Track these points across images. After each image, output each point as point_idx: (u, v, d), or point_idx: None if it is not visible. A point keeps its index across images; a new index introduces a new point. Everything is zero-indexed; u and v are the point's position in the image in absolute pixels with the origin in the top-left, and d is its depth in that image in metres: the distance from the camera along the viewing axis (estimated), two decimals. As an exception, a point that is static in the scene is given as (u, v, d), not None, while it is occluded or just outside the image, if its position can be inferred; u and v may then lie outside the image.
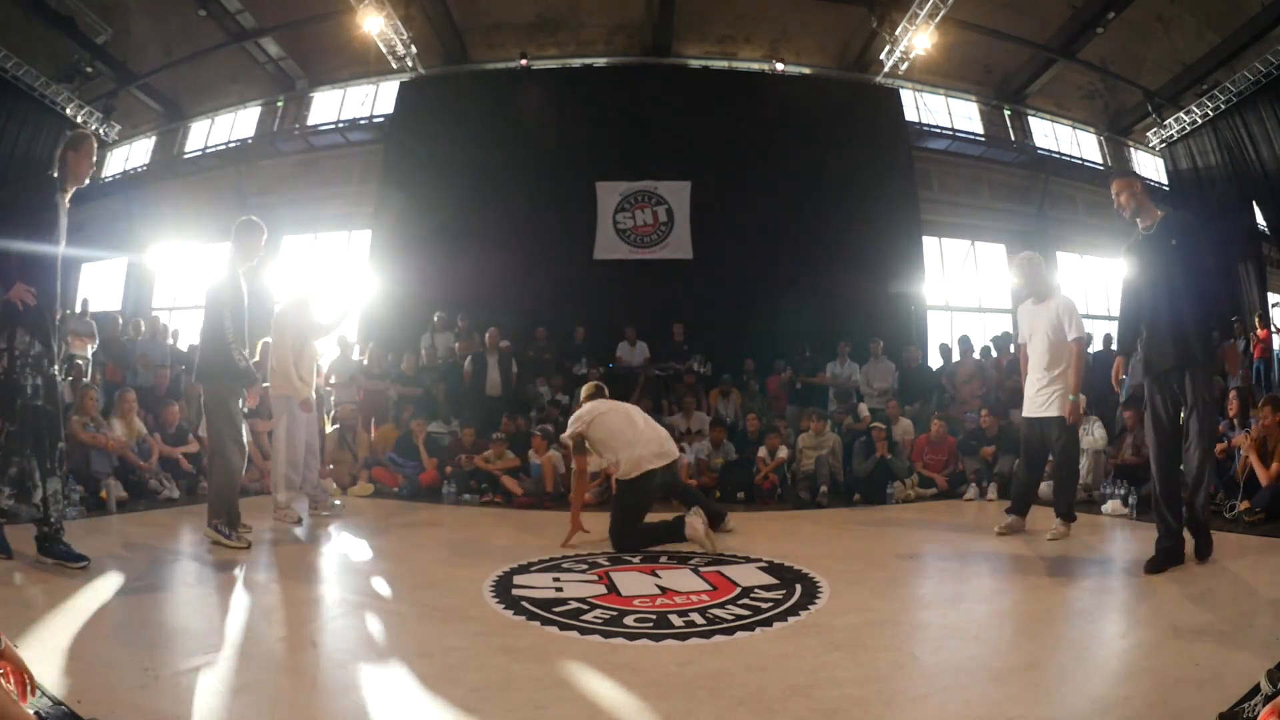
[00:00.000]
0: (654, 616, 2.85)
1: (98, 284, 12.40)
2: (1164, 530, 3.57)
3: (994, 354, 8.85)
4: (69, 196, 3.55)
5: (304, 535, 4.74)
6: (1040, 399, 4.60)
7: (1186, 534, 3.60)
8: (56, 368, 3.51)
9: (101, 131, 11.33)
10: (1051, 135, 12.76)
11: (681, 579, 3.45)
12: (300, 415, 5.12)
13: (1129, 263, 3.84)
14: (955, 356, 8.90)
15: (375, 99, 12.33)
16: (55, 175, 3.50)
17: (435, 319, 9.28)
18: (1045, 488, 5.19)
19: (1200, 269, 3.61)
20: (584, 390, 5.05)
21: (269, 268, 4.69)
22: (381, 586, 3.57)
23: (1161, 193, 12.22)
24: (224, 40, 11.30)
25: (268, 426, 6.87)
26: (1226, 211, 10.79)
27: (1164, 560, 3.49)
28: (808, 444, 6.90)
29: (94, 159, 3.63)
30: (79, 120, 10.66)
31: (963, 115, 12.47)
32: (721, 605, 2.99)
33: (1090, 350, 9.36)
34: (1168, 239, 3.62)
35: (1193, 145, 11.08)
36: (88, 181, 3.64)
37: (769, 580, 3.41)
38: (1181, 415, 3.58)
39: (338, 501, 5.57)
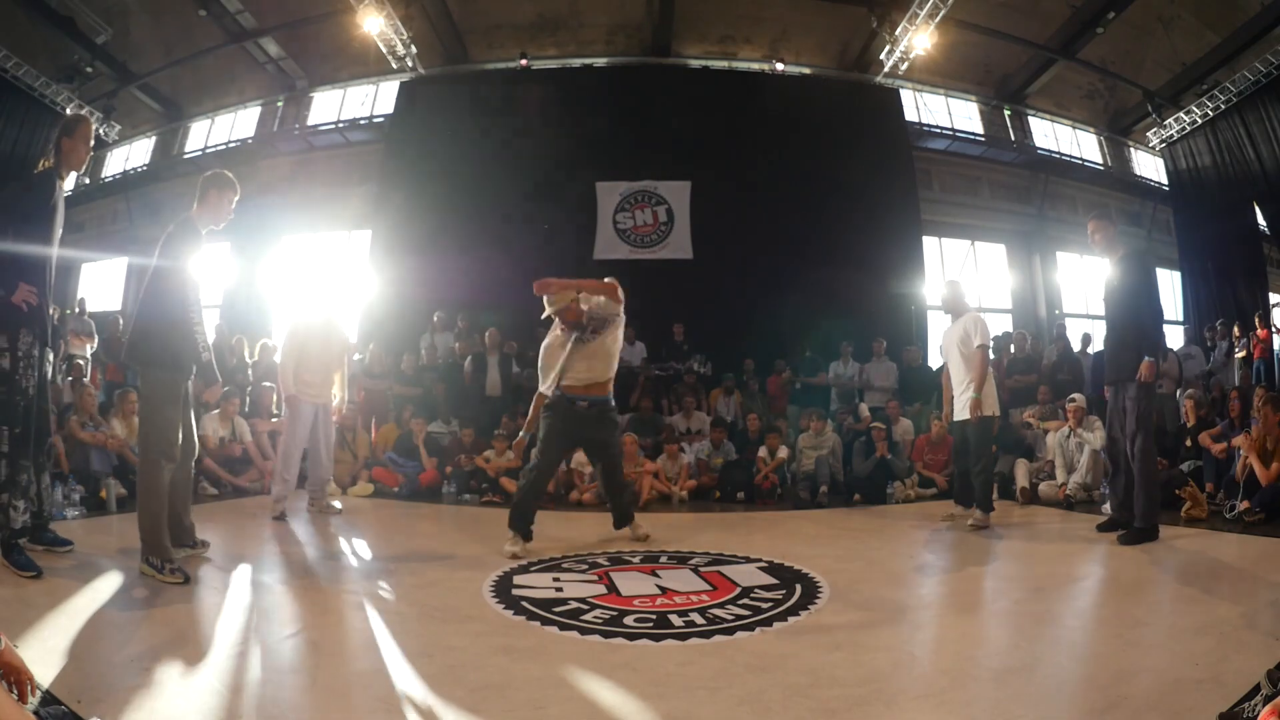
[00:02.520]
0: (654, 616, 2.85)
1: (98, 284, 12.41)
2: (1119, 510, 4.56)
3: (993, 355, 8.84)
4: (65, 182, 3.52)
5: (304, 536, 4.74)
6: (959, 404, 5.12)
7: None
8: (50, 367, 3.53)
9: (101, 131, 11.33)
10: (1051, 135, 12.77)
11: (681, 579, 3.45)
12: (304, 417, 5.23)
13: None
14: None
15: (375, 99, 12.34)
16: (50, 166, 3.47)
17: (435, 319, 9.28)
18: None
19: (1130, 302, 4.43)
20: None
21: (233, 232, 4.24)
22: (381, 586, 3.56)
23: (1161, 192, 12.25)
24: (224, 40, 11.31)
25: (266, 427, 6.90)
26: (1226, 211, 10.79)
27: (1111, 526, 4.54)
28: (808, 444, 6.90)
29: (90, 143, 3.57)
30: (79, 120, 10.65)
31: (963, 115, 12.47)
32: (721, 605, 2.99)
33: (1090, 351, 9.41)
34: (1113, 274, 4.50)
35: (1193, 145, 11.08)
36: (85, 166, 3.61)
37: (769, 580, 3.41)
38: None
39: (338, 504, 5.57)
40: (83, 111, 10.55)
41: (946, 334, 5.38)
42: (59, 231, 3.50)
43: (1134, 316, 4.38)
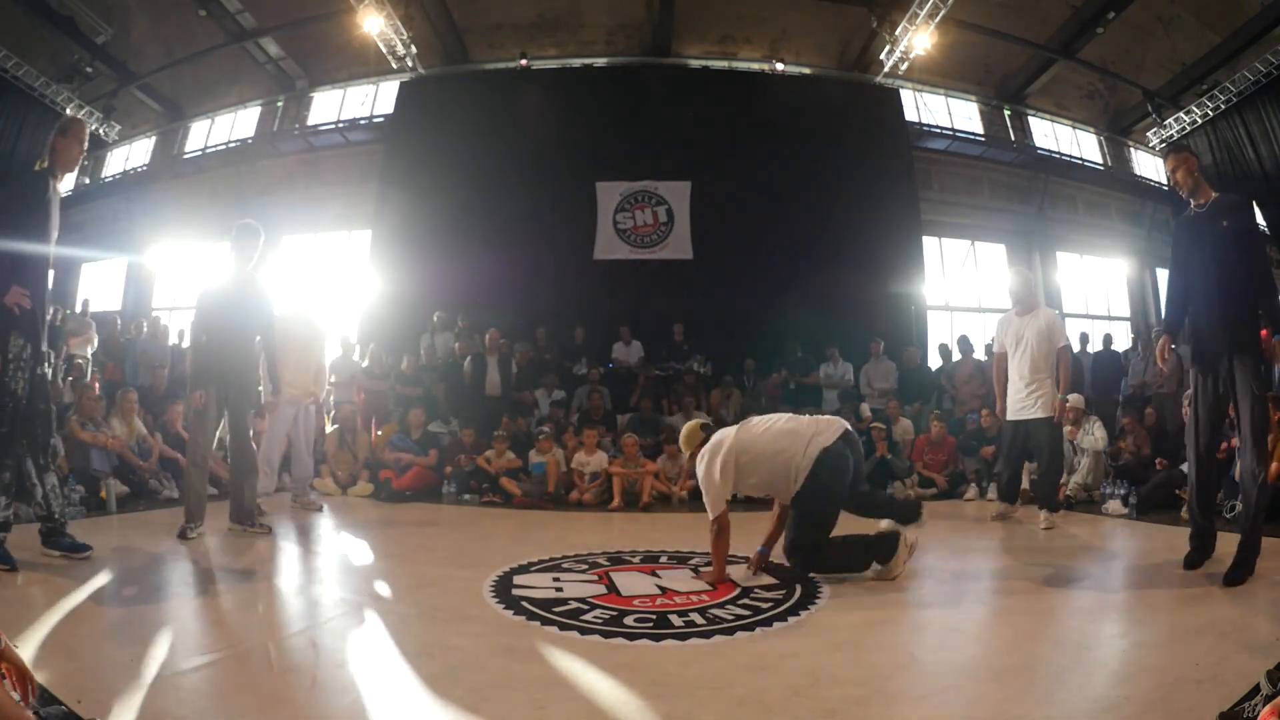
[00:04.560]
0: (654, 616, 2.85)
1: (98, 284, 12.41)
2: (1194, 528, 3.51)
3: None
4: (60, 183, 3.53)
5: (303, 536, 4.75)
6: (1028, 401, 4.89)
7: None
8: (48, 366, 3.53)
9: (101, 131, 11.33)
10: (1051, 135, 12.76)
11: (681, 579, 3.45)
12: (283, 416, 5.34)
13: (1178, 240, 3.74)
14: (955, 356, 8.90)
15: (375, 99, 12.34)
16: (45, 167, 3.48)
17: (435, 319, 9.28)
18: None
19: (1251, 253, 3.44)
20: (694, 435, 3.71)
21: (265, 269, 4.80)
22: (381, 586, 3.57)
23: (1161, 192, 12.24)
24: (224, 40, 11.31)
25: (260, 425, 6.89)
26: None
27: (1197, 556, 3.45)
28: (808, 444, 6.89)
29: (84, 144, 3.61)
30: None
31: (963, 115, 12.47)
32: (721, 605, 2.99)
33: (1090, 350, 9.41)
34: (1219, 220, 3.47)
35: (1193, 145, 11.06)
36: (78, 166, 3.66)
37: (769, 580, 3.41)
38: (1230, 408, 3.41)
39: (321, 502, 5.61)
40: (80, 114, 10.56)
41: (1012, 325, 5.04)
42: (55, 233, 3.49)
43: (1248, 278, 3.39)
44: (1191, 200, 3.59)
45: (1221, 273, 3.43)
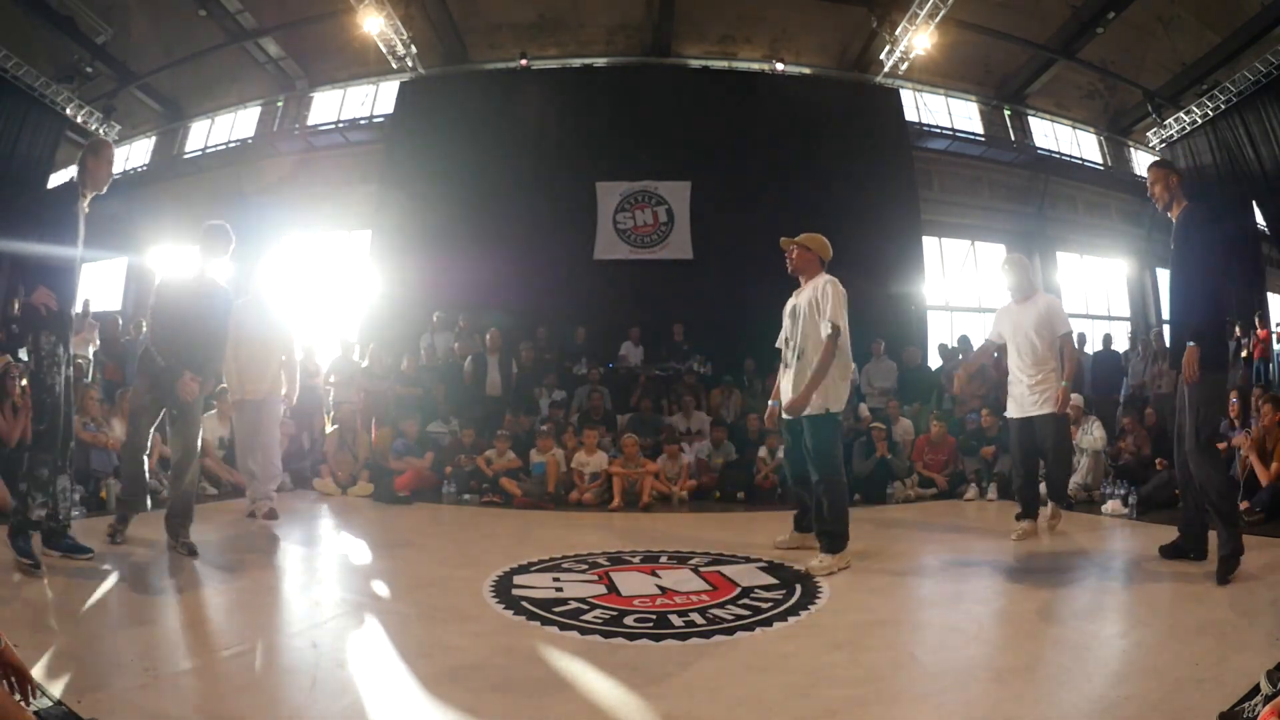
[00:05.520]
0: (654, 616, 2.85)
1: (98, 284, 12.39)
2: (1182, 523, 3.70)
3: (995, 354, 8.84)
4: (88, 201, 3.67)
5: (303, 536, 4.75)
6: (1033, 397, 4.54)
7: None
8: (70, 368, 3.60)
9: (101, 131, 11.33)
10: (1051, 135, 12.76)
11: (681, 579, 3.45)
12: (245, 413, 5.24)
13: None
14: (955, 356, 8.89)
15: (375, 99, 12.34)
16: (75, 181, 3.63)
17: (435, 319, 9.28)
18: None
19: (1199, 270, 3.48)
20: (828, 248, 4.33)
21: (231, 272, 4.68)
22: (381, 586, 3.57)
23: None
24: (224, 40, 11.31)
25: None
26: (1226, 211, 10.79)
27: (1174, 548, 3.69)
28: (808, 444, 6.89)
29: (113, 165, 3.77)
30: (79, 120, 10.66)
31: (963, 115, 12.46)
32: (721, 605, 2.99)
33: (1089, 351, 9.41)
34: (1174, 240, 3.60)
35: (1193, 145, 11.06)
36: (107, 185, 3.78)
37: (769, 580, 3.41)
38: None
39: (274, 517, 5.07)
40: (80, 114, 10.57)
41: (1009, 314, 4.71)
42: (81, 243, 3.62)
43: (1186, 290, 3.53)
44: (1169, 215, 3.66)
45: (1174, 292, 3.67)
